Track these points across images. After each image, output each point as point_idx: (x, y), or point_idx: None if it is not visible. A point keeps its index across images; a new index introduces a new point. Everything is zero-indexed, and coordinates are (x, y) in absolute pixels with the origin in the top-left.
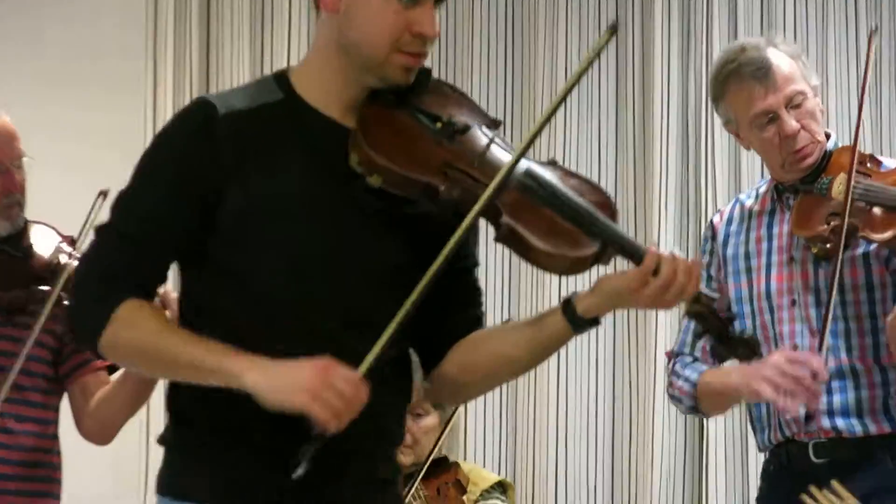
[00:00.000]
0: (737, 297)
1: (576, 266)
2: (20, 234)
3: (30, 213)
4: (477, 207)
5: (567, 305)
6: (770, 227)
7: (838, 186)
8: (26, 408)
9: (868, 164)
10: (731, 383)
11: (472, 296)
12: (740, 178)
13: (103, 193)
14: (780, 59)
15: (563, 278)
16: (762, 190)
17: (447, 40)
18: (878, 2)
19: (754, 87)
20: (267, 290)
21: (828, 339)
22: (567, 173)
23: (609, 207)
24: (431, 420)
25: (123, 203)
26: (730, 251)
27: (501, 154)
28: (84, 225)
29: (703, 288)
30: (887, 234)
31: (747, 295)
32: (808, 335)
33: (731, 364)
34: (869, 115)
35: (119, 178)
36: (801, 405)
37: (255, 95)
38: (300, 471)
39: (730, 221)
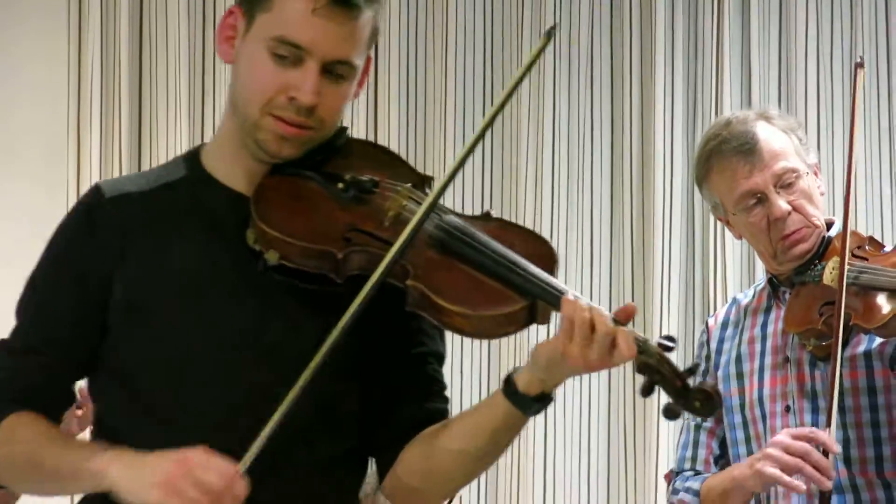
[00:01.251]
0: (728, 406)
1: (501, 326)
2: None
3: None
4: (380, 270)
5: (508, 384)
6: (764, 326)
7: (830, 272)
8: None
9: (867, 247)
10: (735, 476)
11: (426, 387)
12: (755, 259)
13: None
14: (770, 134)
15: None
16: (760, 287)
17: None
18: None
19: (738, 164)
20: (149, 386)
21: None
22: (502, 225)
23: (549, 259)
24: None
25: (17, 310)
26: (723, 357)
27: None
28: None
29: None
30: (879, 321)
31: (738, 403)
32: None
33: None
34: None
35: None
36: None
37: (157, 177)
38: None
39: (725, 325)
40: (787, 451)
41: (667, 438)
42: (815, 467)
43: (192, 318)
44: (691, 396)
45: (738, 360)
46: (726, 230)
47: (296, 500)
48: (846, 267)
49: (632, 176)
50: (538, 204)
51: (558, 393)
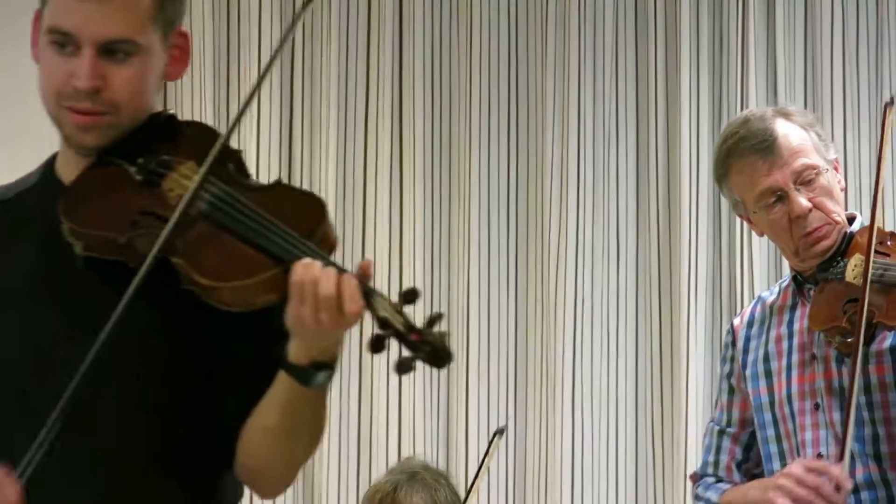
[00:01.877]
0: (757, 405)
1: (259, 294)
2: None
3: None
4: (154, 250)
5: (282, 355)
6: (790, 323)
7: (853, 269)
8: None
9: (888, 242)
10: (750, 499)
11: (246, 374)
12: (782, 259)
13: None
14: (789, 130)
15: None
16: (784, 284)
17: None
18: None
19: (757, 162)
20: None
21: (853, 446)
22: (280, 190)
23: (314, 219)
24: None
25: None
26: (750, 356)
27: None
28: None
29: (723, 402)
30: None
31: (768, 402)
32: (833, 442)
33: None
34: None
35: None
36: None
37: (16, 184)
38: None
39: (750, 324)
40: (800, 483)
41: (695, 437)
42: (827, 502)
43: (7, 326)
44: (425, 349)
45: (766, 358)
46: None
47: (120, 498)
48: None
49: (657, 172)
50: (563, 200)
51: (586, 390)
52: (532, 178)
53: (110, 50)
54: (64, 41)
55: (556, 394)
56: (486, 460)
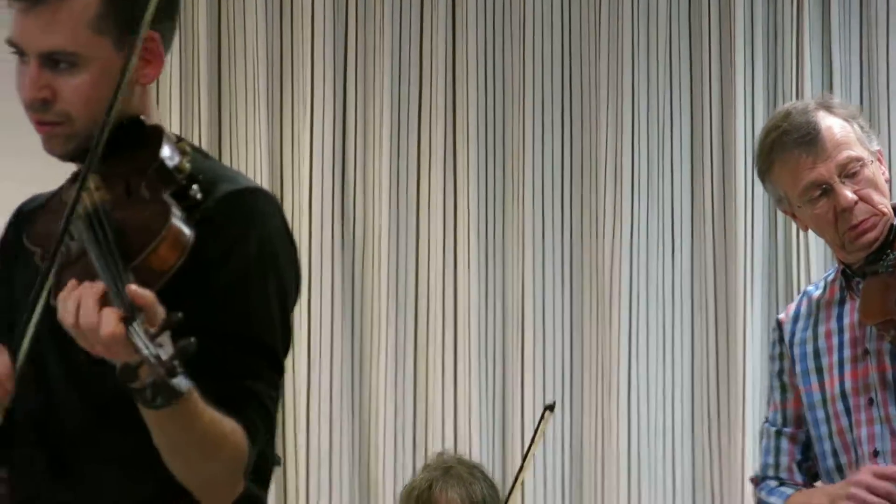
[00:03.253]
0: (809, 403)
1: None
2: None
3: None
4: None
5: None
6: (840, 318)
7: None
8: None
9: None
10: None
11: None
12: None
13: None
14: (832, 122)
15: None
16: (830, 278)
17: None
18: None
19: (801, 156)
20: None
21: None
22: (142, 202)
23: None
24: None
25: None
26: (797, 350)
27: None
28: None
29: (776, 401)
30: None
31: (820, 399)
32: (889, 438)
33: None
34: None
35: None
36: None
37: (49, 194)
38: None
39: (796, 318)
40: (871, 491)
41: (752, 431)
42: None
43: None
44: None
45: (817, 354)
46: None
47: (97, 497)
48: None
49: (712, 165)
50: (618, 194)
51: (641, 385)
52: (586, 172)
53: (54, 60)
54: (18, 53)
55: (612, 390)
56: (536, 436)
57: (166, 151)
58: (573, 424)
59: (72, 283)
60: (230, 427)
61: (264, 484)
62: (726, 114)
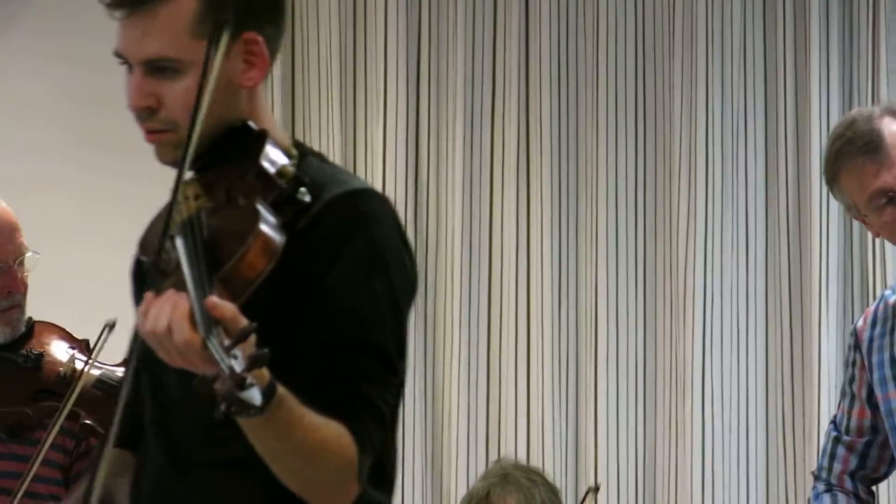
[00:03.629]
0: (887, 410)
1: None
2: (25, 339)
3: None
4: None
5: None
6: None
7: None
8: None
9: None
10: None
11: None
12: None
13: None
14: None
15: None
16: None
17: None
18: None
19: (865, 164)
20: None
21: None
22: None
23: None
24: None
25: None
26: (875, 358)
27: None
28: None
29: (844, 406)
30: None
31: None
32: None
33: None
34: None
35: None
36: None
37: None
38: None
39: (874, 324)
40: None
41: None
42: None
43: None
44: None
45: (893, 362)
46: None
47: (213, 499)
48: None
49: (787, 165)
50: (692, 194)
51: (716, 386)
52: (660, 173)
53: (158, 68)
54: (125, 63)
55: (686, 389)
56: None
57: (267, 156)
58: (646, 424)
59: (149, 294)
60: (334, 433)
61: (386, 487)
62: (801, 114)
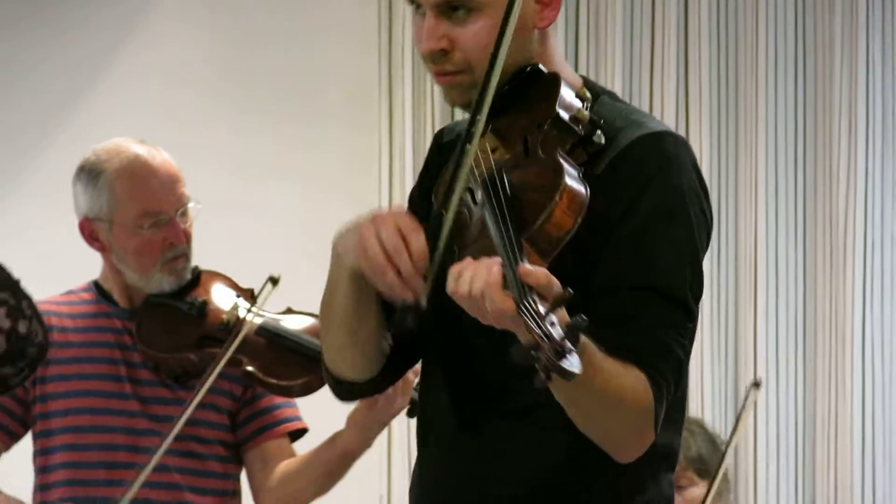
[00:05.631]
0: None
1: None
2: (191, 287)
3: (226, 256)
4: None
5: None
6: None
7: None
8: (204, 479)
9: None
10: None
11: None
12: None
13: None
14: None
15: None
16: None
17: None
18: None
19: None
20: None
21: None
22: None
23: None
24: (698, 491)
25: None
26: None
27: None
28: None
29: None
30: None
31: None
32: None
33: None
34: None
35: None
36: None
37: None
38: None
39: None
40: None
41: None
42: None
43: None
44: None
45: None
46: None
47: (502, 446)
48: None
49: None
50: (852, 144)
51: (876, 337)
52: (820, 122)
53: (451, 8)
54: (415, 6)
55: (846, 340)
56: (741, 414)
57: (563, 102)
58: (806, 376)
59: (468, 259)
60: (632, 380)
61: (676, 429)
62: None
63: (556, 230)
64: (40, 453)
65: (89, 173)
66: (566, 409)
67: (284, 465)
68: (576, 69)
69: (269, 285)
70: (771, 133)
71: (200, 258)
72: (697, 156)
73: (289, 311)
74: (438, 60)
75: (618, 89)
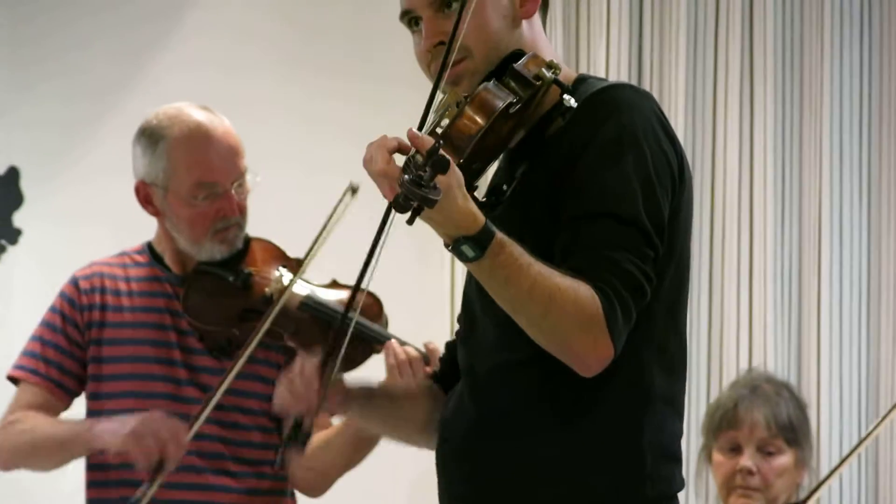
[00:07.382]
0: None
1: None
2: (241, 256)
3: (287, 216)
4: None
5: None
6: None
7: None
8: (249, 449)
9: None
10: None
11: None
12: None
13: (353, 189)
14: None
15: None
16: None
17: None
18: None
19: None
20: None
21: None
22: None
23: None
24: (786, 459)
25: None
26: None
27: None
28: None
29: None
30: None
31: None
32: None
33: None
34: None
35: None
36: None
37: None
38: None
39: None
40: None
41: None
42: None
43: None
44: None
45: None
46: None
47: (477, 397)
48: None
49: None
50: None
51: None
52: (885, 85)
53: (445, 3)
54: (411, 22)
55: None
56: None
57: (523, 63)
58: (870, 340)
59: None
60: (571, 282)
61: (676, 376)
62: None
63: (466, 128)
64: (90, 414)
65: (150, 137)
66: (514, 317)
67: (317, 438)
68: (640, 34)
69: (349, 195)
70: (836, 93)
71: (263, 217)
72: (762, 119)
73: (334, 283)
74: (441, 54)
75: (682, 53)
